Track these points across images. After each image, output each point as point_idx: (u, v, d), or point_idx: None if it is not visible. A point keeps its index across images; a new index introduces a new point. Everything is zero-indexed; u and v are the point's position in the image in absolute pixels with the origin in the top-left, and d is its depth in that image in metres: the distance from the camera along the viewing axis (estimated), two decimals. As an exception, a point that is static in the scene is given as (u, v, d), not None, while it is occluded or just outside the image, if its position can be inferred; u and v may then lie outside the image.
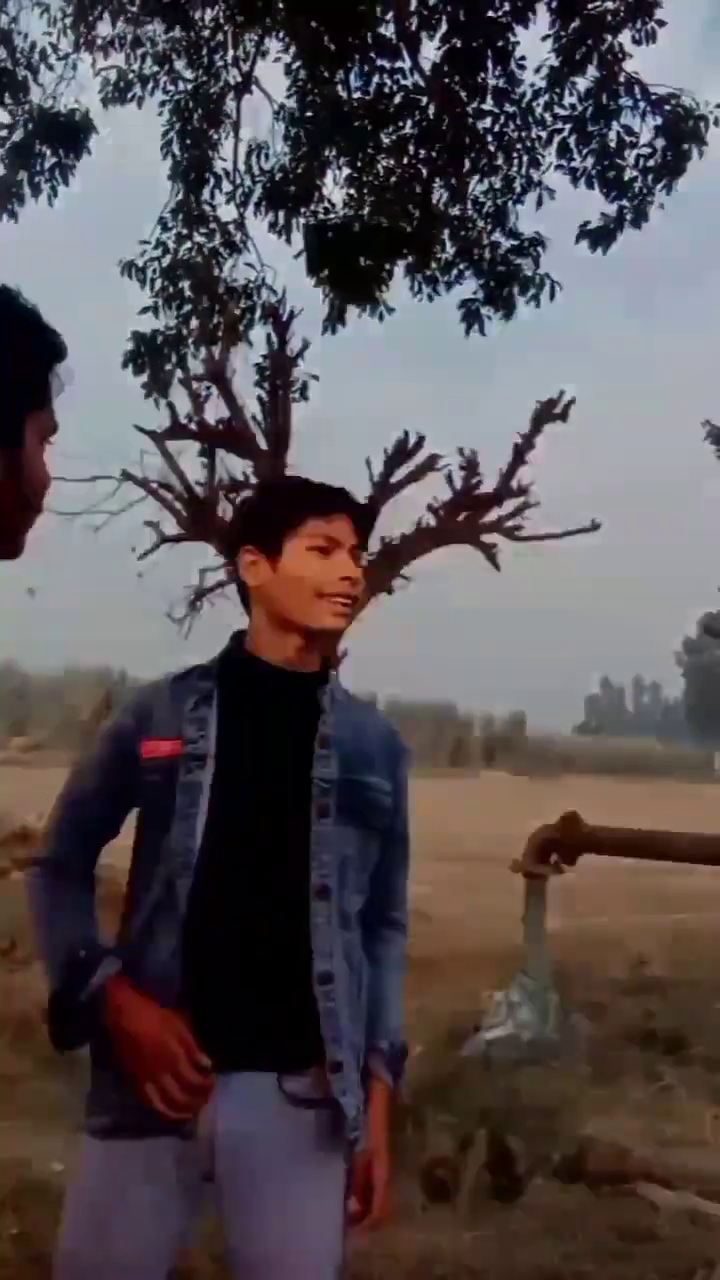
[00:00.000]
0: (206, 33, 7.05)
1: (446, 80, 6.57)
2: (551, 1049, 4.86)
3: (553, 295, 6.84)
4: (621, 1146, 3.52)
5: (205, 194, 7.35)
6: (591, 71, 6.40)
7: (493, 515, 9.36)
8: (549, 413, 9.13)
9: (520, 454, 9.13)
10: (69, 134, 6.54)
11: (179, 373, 7.74)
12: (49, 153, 6.51)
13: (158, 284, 7.26)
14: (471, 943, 7.56)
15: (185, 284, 7.37)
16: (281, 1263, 1.45)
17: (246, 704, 1.54)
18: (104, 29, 6.84)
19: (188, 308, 7.41)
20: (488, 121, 6.70)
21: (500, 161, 6.81)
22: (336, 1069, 1.45)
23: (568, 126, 6.51)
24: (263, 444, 8.91)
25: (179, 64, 7.11)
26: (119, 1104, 1.45)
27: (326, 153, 7.04)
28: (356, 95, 6.80)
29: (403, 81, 6.67)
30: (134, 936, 1.49)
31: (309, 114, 6.93)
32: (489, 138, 6.75)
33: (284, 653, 1.56)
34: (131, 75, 6.99)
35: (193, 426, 8.76)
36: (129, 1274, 1.43)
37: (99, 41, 6.87)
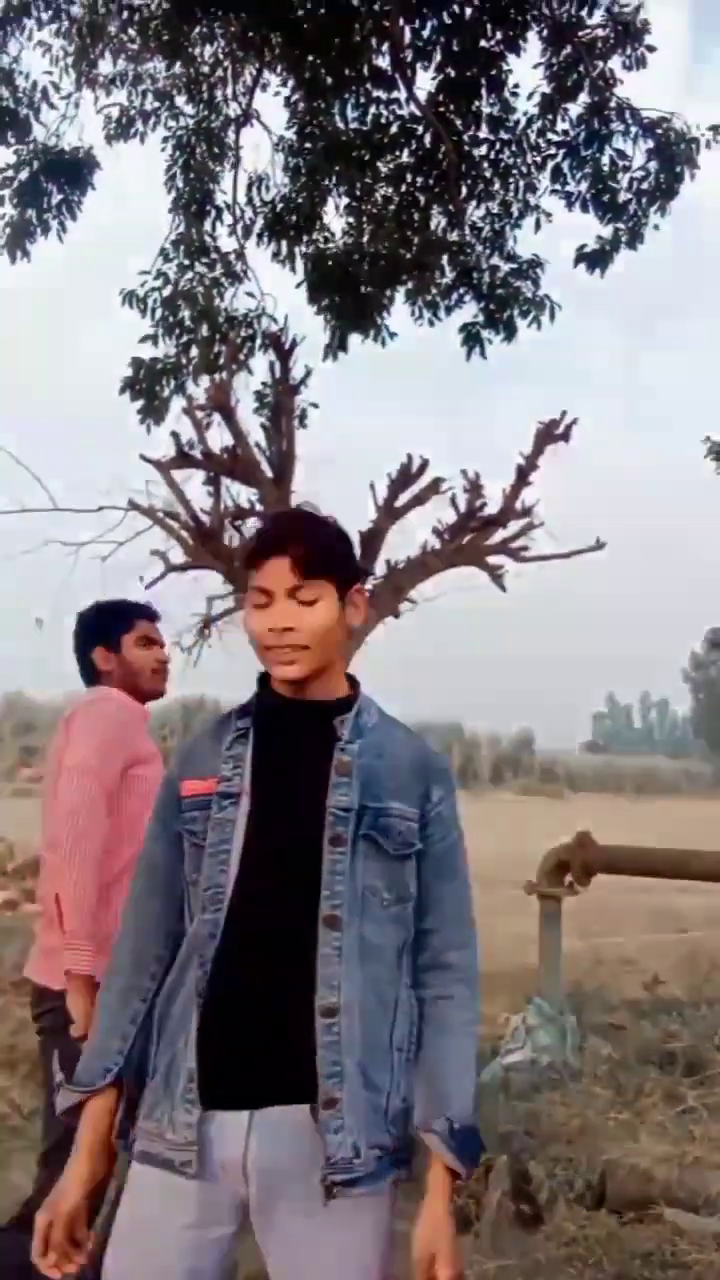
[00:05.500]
0: (206, 68, 7.18)
1: (441, 109, 6.67)
2: (571, 1072, 4.81)
3: (553, 316, 6.91)
4: (645, 1171, 3.48)
5: (207, 225, 7.45)
6: (583, 97, 6.52)
7: (497, 537, 9.36)
8: (551, 433, 9.14)
9: (524, 475, 9.14)
10: (74, 171, 6.63)
11: (183, 401, 7.80)
12: (55, 190, 6.60)
13: (158, 313, 7.34)
14: (486, 965, 7.46)
15: (186, 313, 7.45)
16: None
17: (276, 739, 1.58)
18: (105, 67, 6.98)
19: (188, 336, 7.49)
20: (483, 149, 6.82)
21: (497, 187, 6.91)
22: (330, 1105, 1.42)
23: (561, 151, 6.61)
24: (268, 471, 8.94)
25: (179, 99, 7.25)
26: (142, 1131, 1.49)
27: (326, 182, 7.14)
28: (354, 126, 6.91)
29: (399, 111, 6.81)
30: (176, 968, 1.53)
31: (308, 145, 7.05)
32: (485, 164, 6.86)
33: (287, 690, 1.59)
34: (133, 112, 7.12)
35: (197, 455, 8.80)
36: None
37: (100, 79, 7.00)
